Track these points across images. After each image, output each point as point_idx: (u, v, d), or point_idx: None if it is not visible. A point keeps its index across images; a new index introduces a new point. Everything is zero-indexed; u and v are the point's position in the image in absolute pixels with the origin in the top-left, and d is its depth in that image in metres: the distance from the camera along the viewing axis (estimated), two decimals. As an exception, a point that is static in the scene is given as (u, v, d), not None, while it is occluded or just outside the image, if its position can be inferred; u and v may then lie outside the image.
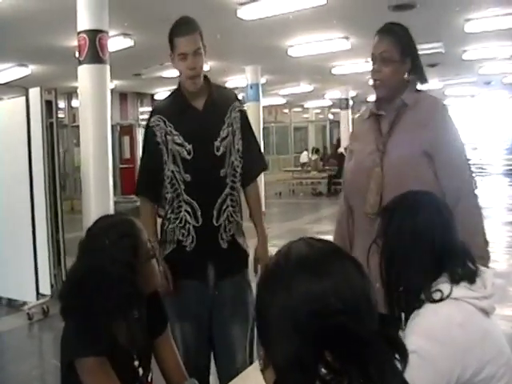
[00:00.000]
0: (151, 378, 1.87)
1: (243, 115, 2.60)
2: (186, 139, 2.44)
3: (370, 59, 2.29)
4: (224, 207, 2.46)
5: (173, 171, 2.46)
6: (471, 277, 1.53)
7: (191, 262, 2.46)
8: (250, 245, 2.64)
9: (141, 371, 1.78)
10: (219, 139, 2.46)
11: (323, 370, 0.90)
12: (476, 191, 2.19)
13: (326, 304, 0.90)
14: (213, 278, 2.46)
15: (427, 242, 1.55)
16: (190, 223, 2.44)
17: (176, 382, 1.88)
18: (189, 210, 2.44)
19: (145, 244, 1.73)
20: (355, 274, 0.96)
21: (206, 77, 2.53)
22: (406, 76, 2.26)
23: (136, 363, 1.76)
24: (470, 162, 2.40)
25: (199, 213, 2.43)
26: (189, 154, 2.43)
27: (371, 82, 2.27)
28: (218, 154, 2.45)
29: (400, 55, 2.20)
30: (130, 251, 1.64)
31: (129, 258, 1.62)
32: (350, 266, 0.97)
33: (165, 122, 2.48)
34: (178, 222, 2.46)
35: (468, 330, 1.45)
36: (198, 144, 2.44)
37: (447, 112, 2.23)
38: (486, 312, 1.51)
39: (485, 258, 2.03)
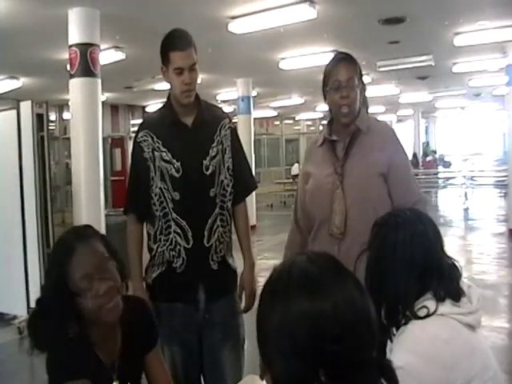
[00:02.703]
0: None
1: (233, 133, 2.54)
2: (174, 156, 2.37)
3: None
4: (215, 227, 2.40)
5: (161, 188, 2.38)
6: (456, 295, 1.55)
7: (181, 285, 2.37)
8: (237, 260, 2.56)
9: None
10: (208, 158, 2.40)
11: None
12: (425, 201, 2.37)
13: (324, 328, 0.92)
14: (203, 301, 2.38)
15: (407, 257, 1.56)
16: (180, 245, 2.36)
17: None
18: (178, 231, 2.36)
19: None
20: (356, 295, 0.97)
21: (195, 93, 2.45)
22: None
23: None
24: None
25: (190, 234, 2.36)
26: (177, 171, 2.37)
27: (344, 109, 2.27)
28: (208, 172, 2.39)
29: (359, 82, 2.30)
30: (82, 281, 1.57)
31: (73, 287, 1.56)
32: (351, 285, 0.99)
33: (153, 138, 2.41)
34: (168, 243, 2.38)
35: (454, 346, 1.46)
36: (186, 162, 2.38)
37: (397, 136, 2.38)
38: (472, 327, 1.52)
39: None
